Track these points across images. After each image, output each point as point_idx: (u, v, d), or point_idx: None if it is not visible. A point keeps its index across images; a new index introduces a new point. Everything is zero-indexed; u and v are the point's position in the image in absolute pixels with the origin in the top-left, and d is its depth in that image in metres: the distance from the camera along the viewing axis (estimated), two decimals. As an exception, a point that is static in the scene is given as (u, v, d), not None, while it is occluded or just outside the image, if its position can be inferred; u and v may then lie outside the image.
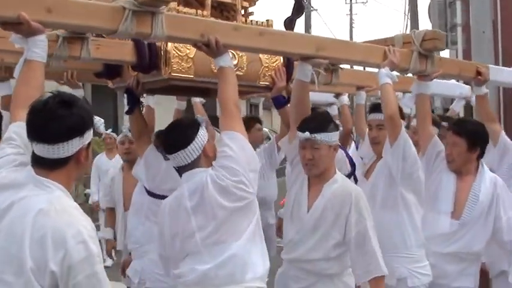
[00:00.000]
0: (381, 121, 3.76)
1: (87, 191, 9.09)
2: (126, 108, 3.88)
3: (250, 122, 5.71)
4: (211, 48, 2.94)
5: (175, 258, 2.81)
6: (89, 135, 2.13)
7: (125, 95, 3.81)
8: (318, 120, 3.26)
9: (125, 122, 13.66)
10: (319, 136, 3.16)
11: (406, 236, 3.61)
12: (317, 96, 5.57)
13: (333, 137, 3.22)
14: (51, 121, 2.03)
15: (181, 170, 2.85)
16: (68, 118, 2.04)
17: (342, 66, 4.15)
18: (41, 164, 2.08)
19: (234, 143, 2.79)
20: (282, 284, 3.33)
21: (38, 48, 2.50)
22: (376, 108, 3.89)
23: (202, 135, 2.83)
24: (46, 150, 2.05)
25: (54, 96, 2.08)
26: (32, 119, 2.06)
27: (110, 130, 8.70)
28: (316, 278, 3.18)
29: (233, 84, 2.97)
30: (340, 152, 4.05)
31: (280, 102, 3.76)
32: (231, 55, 3.34)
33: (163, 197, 3.33)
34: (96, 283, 1.97)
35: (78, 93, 4.30)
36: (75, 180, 2.19)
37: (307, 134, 3.16)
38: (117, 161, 8.64)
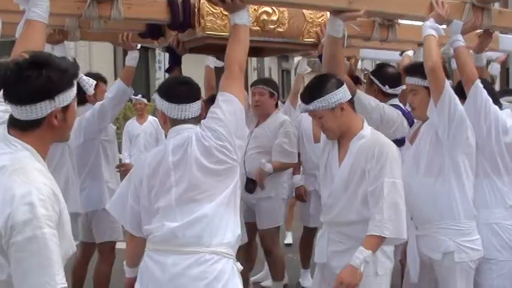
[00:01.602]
0: (413, 86, 3.42)
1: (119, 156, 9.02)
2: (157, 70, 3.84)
3: None
4: (227, 3, 2.81)
5: (148, 213, 2.72)
6: (63, 99, 2.01)
7: (168, 54, 3.79)
8: (310, 88, 3.10)
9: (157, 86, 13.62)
10: (312, 105, 3.01)
11: (454, 205, 3.26)
12: (383, 55, 5.24)
13: (332, 97, 2.99)
14: (18, 82, 1.95)
15: (176, 122, 2.78)
16: (35, 80, 1.94)
17: (400, 21, 3.85)
18: (14, 125, 2.03)
19: (227, 106, 2.71)
20: (322, 246, 3.21)
21: (38, 8, 2.52)
22: (408, 71, 3.52)
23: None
24: (16, 111, 1.99)
25: (29, 56, 1.99)
26: (4, 78, 1.98)
27: (140, 96, 8.67)
28: (354, 242, 2.99)
29: (243, 44, 2.84)
30: (397, 112, 3.77)
31: None
32: (268, 9, 3.10)
33: None
34: (36, 247, 1.86)
35: (133, 55, 4.30)
36: (53, 142, 2.12)
37: (303, 105, 3.07)
38: (148, 125, 8.66)
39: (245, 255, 5.29)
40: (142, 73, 13.58)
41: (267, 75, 21.39)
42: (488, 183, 3.39)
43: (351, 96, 3.08)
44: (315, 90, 3.04)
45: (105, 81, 4.75)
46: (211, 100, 4.15)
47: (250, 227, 4.98)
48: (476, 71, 3.42)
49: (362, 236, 2.93)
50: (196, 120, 2.78)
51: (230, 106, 2.70)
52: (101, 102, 4.33)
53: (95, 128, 4.37)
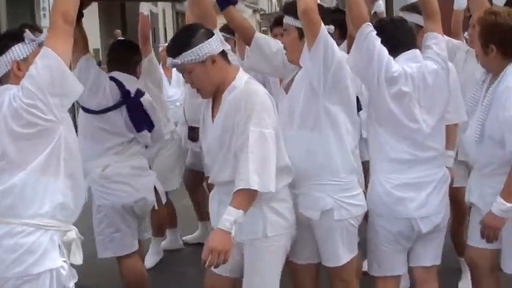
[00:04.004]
0: (286, 25, 3.20)
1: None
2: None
3: None
4: None
5: None
6: None
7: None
8: (177, 40, 2.92)
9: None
10: (180, 59, 2.82)
11: (332, 159, 3.07)
12: None
13: (202, 49, 2.81)
14: None
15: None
16: None
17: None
18: None
19: (42, 61, 2.42)
20: (214, 208, 3.04)
21: None
22: (285, 9, 3.30)
23: (18, 50, 2.55)
24: None
25: None
26: None
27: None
28: None
29: None
30: None
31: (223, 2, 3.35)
32: None
33: (90, 111, 3.76)
34: None
35: None
36: None
37: (170, 60, 2.87)
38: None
39: (193, 201, 5.48)
40: (27, 21, 12.64)
41: (160, 17, 20.72)
42: (373, 133, 3.17)
43: (222, 48, 2.90)
44: (182, 42, 2.84)
45: None
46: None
47: (195, 175, 5.21)
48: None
49: None
50: (10, 76, 2.53)
51: (45, 61, 2.41)
52: None
53: None
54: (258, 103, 2.77)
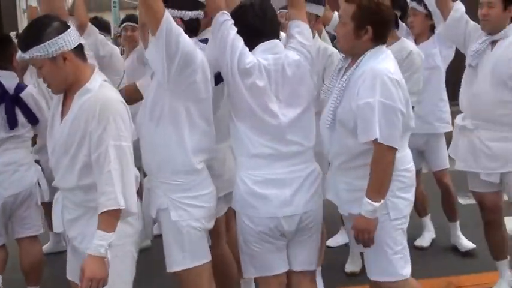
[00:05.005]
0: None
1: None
2: None
3: None
4: None
5: None
6: None
7: None
8: (25, 35, 2.69)
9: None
10: (29, 54, 2.59)
11: (172, 157, 2.90)
12: None
13: (52, 46, 2.57)
14: None
15: None
16: None
17: None
18: None
19: None
20: (57, 213, 2.86)
21: None
22: None
23: None
24: None
25: None
26: None
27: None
28: (82, 210, 2.73)
29: None
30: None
31: None
32: None
33: None
34: None
35: None
36: None
37: (19, 52, 2.67)
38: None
39: None
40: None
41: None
42: (233, 128, 3.00)
43: (77, 44, 2.65)
44: (31, 36, 2.61)
45: None
46: None
47: None
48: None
49: (88, 204, 2.69)
50: None
51: None
52: None
53: None
54: (114, 113, 2.60)
